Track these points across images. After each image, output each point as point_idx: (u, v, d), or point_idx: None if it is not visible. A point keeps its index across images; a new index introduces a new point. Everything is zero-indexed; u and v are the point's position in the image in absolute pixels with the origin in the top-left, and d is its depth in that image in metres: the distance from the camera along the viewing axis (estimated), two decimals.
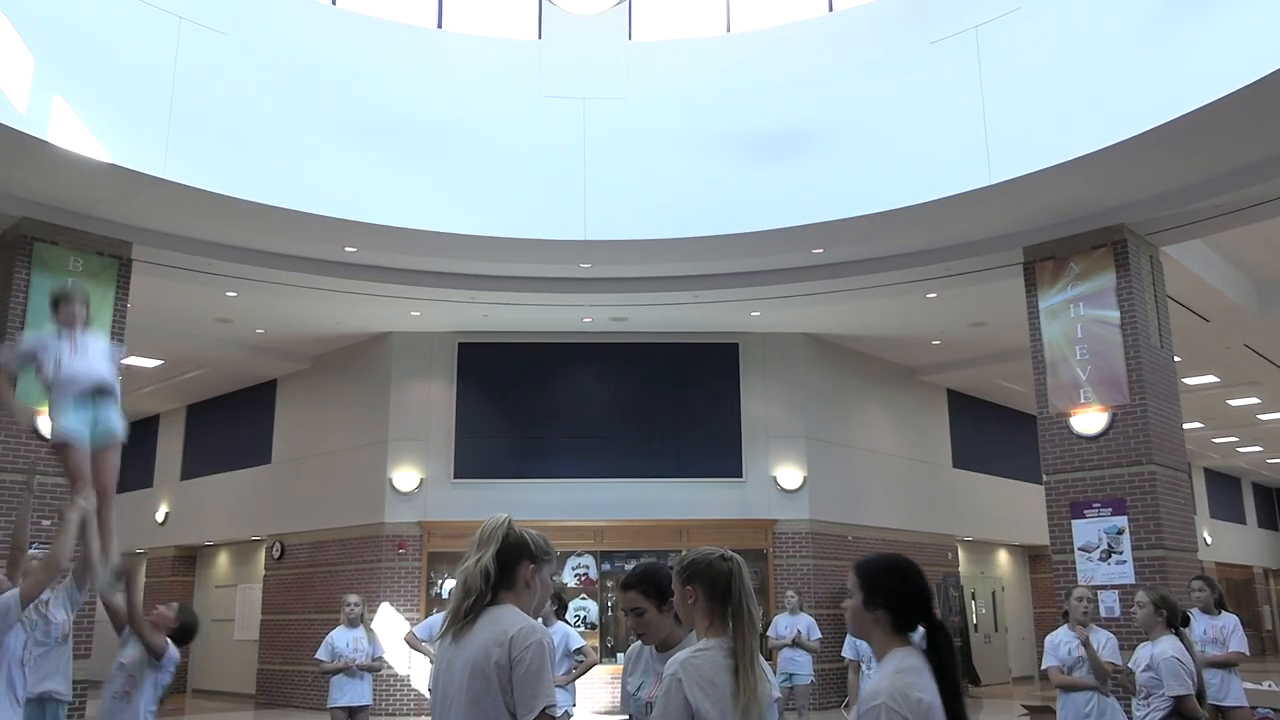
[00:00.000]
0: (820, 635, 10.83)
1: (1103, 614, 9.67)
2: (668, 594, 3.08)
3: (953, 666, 2.42)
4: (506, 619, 2.60)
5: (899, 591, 2.47)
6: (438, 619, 8.38)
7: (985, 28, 9.68)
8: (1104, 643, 6.33)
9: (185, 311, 13.13)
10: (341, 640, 8.26)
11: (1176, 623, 5.46)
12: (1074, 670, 6.26)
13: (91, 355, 5.10)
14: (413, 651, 9.10)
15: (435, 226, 10.53)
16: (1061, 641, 6.39)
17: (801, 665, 10.39)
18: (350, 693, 8.20)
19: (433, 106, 10.68)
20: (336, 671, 8.17)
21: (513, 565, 2.68)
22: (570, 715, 7.09)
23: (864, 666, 6.71)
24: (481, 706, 2.52)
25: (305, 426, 15.75)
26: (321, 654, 8.25)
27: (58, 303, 5.23)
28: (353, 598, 8.56)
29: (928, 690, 2.37)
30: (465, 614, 2.62)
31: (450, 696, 2.60)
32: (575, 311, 13.31)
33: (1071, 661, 6.28)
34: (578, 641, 7.00)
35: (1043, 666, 6.54)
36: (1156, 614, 5.44)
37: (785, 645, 10.44)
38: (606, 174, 10.79)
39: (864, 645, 6.69)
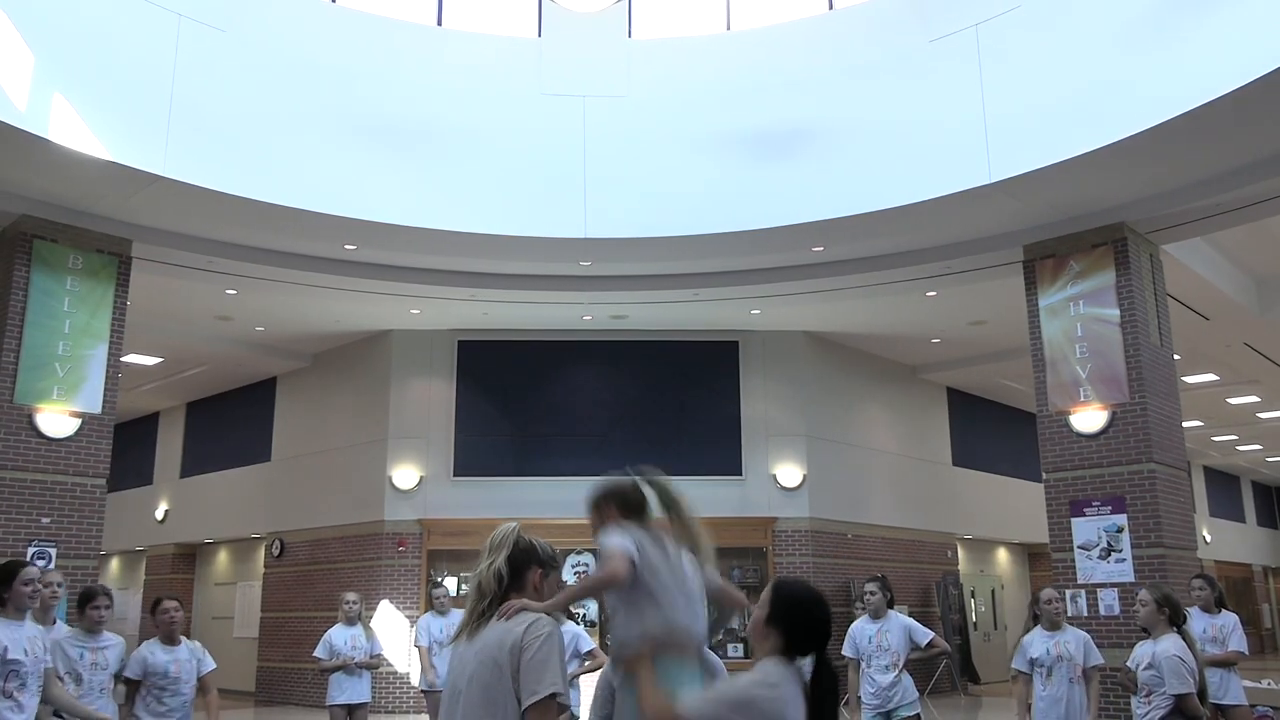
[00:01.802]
0: None
1: (1102, 612, 9.69)
2: None
3: (831, 704, 2.59)
4: (519, 616, 2.67)
5: (799, 623, 2.65)
6: (427, 619, 8.75)
7: (985, 26, 9.67)
8: (1080, 642, 6.33)
9: (185, 309, 13.13)
10: (340, 638, 8.28)
11: (1179, 621, 5.46)
12: (1052, 670, 6.26)
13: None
14: (412, 649, 9.16)
15: (435, 224, 10.53)
16: (1035, 642, 6.40)
17: None
18: (350, 690, 8.23)
19: (432, 104, 10.67)
20: (335, 670, 8.20)
21: (522, 570, 2.76)
22: (575, 717, 7.09)
23: (863, 665, 6.71)
24: (491, 693, 2.55)
25: (305, 424, 15.75)
26: (320, 652, 8.27)
27: (84, 602, 5.75)
28: (351, 596, 8.59)
29: (789, 703, 2.54)
30: (480, 615, 2.71)
31: (459, 687, 2.64)
32: (575, 309, 13.31)
33: (1050, 661, 6.28)
34: (588, 644, 7.02)
35: (1013, 666, 6.53)
36: (1159, 612, 5.44)
37: None
38: (606, 172, 10.79)
39: (863, 643, 6.71)
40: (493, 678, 2.55)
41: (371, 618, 13.40)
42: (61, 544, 9.51)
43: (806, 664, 2.65)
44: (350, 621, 8.38)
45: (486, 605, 2.70)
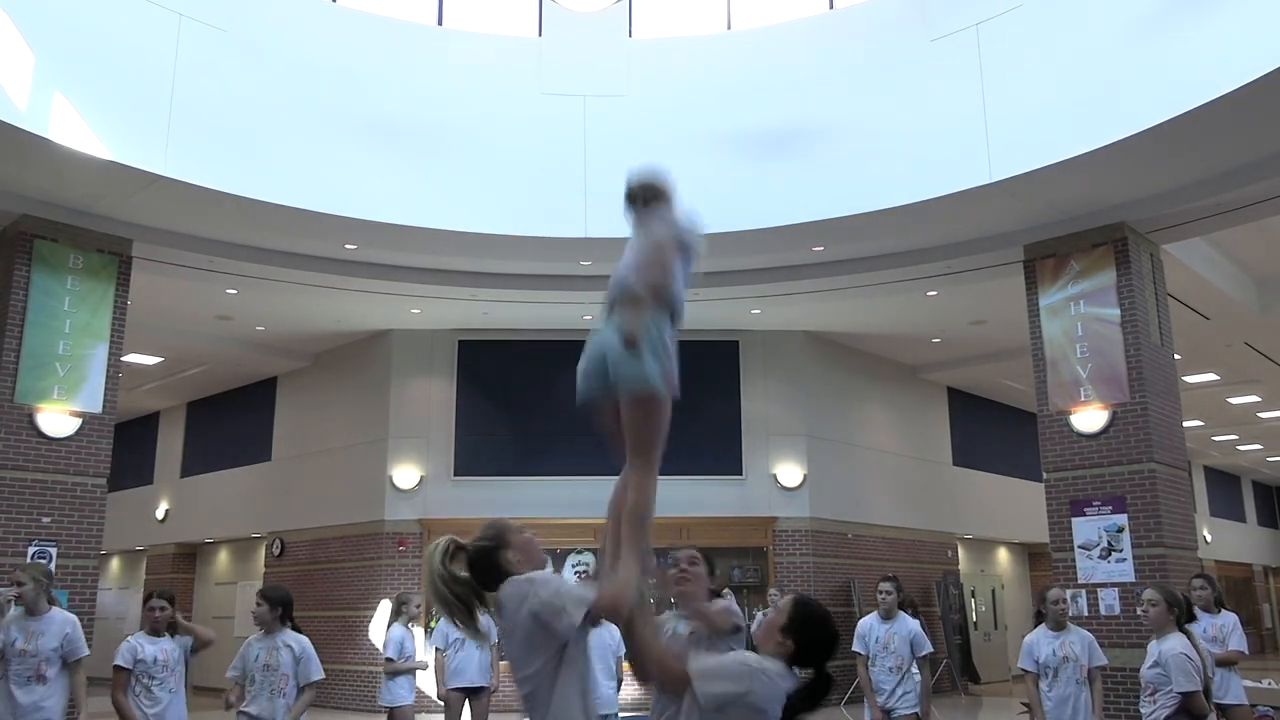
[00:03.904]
0: None
1: (1103, 612, 9.69)
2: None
3: (808, 712, 2.76)
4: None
5: (815, 641, 2.84)
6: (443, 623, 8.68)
7: (985, 25, 9.67)
8: (1085, 643, 6.31)
9: (185, 309, 13.13)
10: (410, 641, 8.49)
11: (1184, 619, 5.45)
12: (1058, 672, 6.23)
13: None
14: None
15: (435, 224, 10.53)
16: (1041, 642, 6.37)
17: None
18: (412, 690, 8.51)
19: (433, 104, 10.67)
20: (409, 671, 8.43)
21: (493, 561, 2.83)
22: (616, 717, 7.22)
23: (870, 662, 6.72)
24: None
25: (305, 424, 15.75)
26: (392, 652, 8.39)
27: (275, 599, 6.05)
28: (416, 597, 8.85)
29: (777, 700, 2.68)
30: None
31: None
32: (575, 309, 13.27)
33: (1056, 663, 6.25)
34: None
35: (1019, 665, 6.51)
36: (1170, 612, 5.42)
37: None
38: (606, 171, 10.71)
39: (871, 642, 6.70)
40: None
41: (372, 618, 13.41)
42: (62, 544, 9.51)
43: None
44: (413, 623, 8.58)
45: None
